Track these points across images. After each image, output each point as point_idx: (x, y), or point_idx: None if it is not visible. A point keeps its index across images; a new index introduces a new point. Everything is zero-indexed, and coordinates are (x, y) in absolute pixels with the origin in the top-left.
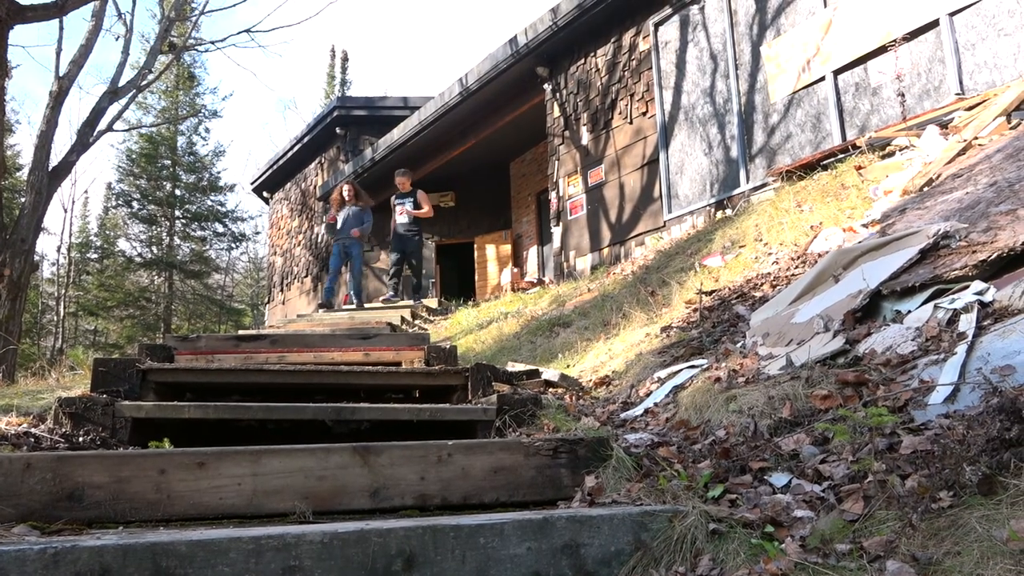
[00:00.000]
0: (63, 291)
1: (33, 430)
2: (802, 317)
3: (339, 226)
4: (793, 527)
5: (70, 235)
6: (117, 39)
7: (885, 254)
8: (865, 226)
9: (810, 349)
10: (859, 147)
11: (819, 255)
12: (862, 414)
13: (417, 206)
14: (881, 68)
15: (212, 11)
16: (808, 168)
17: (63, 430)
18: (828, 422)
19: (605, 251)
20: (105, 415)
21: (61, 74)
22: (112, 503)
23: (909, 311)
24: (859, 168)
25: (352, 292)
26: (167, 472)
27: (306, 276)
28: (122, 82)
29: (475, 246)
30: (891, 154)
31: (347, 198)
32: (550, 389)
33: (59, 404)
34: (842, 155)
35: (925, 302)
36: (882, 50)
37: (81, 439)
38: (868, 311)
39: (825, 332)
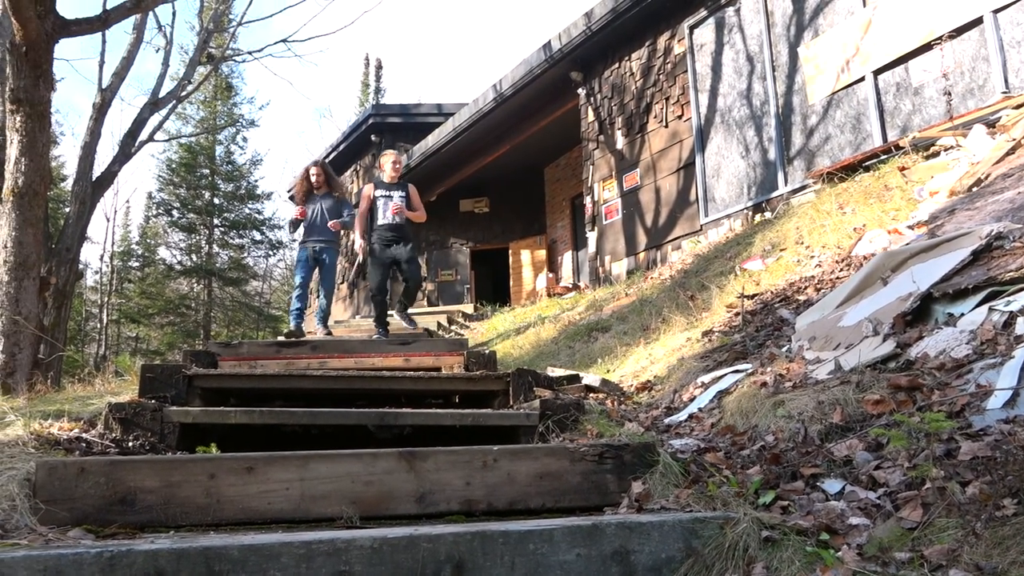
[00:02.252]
0: (106, 299)
1: (84, 435)
2: (850, 320)
3: (306, 223)
4: (849, 535)
5: (112, 244)
6: (157, 51)
7: (935, 256)
8: (911, 227)
9: (860, 353)
10: (902, 148)
11: (864, 258)
12: (917, 419)
13: (410, 204)
14: (923, 67)
15: (249, 22)
16: (849, 170)
17: (113, 435)
18: (882, 427)
19: (641, 256)
20: (154, 420)
21: (104, 86)
22: (163, 507)
23: (962, 314)
24: (903, 169)
25: (318, 315)
26: (217, 477)
27: (342, 283)
28: (162, 93)
29: (510, 251)
30: (936, 154)
31: (315, 184)
32: (591, 394)
33: (109, 409)
34: (884, 156)
35: (979, 304)
36: (924, 49)
37: (131, 444)
38: (919, 314)
39: (874, 336)
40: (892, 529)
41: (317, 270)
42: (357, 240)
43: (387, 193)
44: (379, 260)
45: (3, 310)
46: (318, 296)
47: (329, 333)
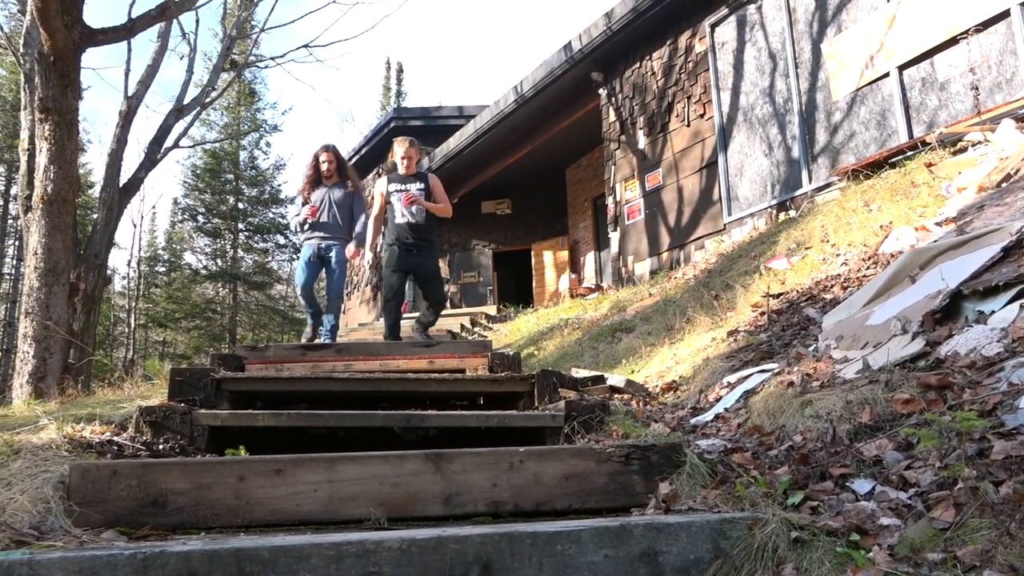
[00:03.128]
0: (134, 303)
1: (116, 438)
2: (878, 319)
3: (318, 215)
4: (880, 535)
5: (139, 249)
6: (182, 58)
7: (964, 253)
8: (939, 224)
9: (888, 352)
10: (928, 143)
11: (891, 255)
12: (948, 418)
13: (428, 196)
14: (949, 61)
15: (272, 28)
16: (874, 166)
17: (144, 438)
18: (912, 427)
19: (664, 255)
20: (183, 423)
21: (130, 94)
22: (194, 509)
23: (993, 311)
24: (930, 165)
25: (326, 324)
26: (246, 479)
27: (366, 286)
28: (187, 100)
29: (532, 253)
30: (963, 150)
31: (325, 172)
32: (616, 395)
33: (140, 413)
34: (910, 152)
35: (1010, 302)
36: (949, 43)
37: (161, 447)
38: (948, 312)
39: (903, 334)
40: (924, 530)
41: (325, 271)
42: (366, 253)
43: (402, 187)
44: (394, 269)
45: (34, 315)
46: (325, 309)
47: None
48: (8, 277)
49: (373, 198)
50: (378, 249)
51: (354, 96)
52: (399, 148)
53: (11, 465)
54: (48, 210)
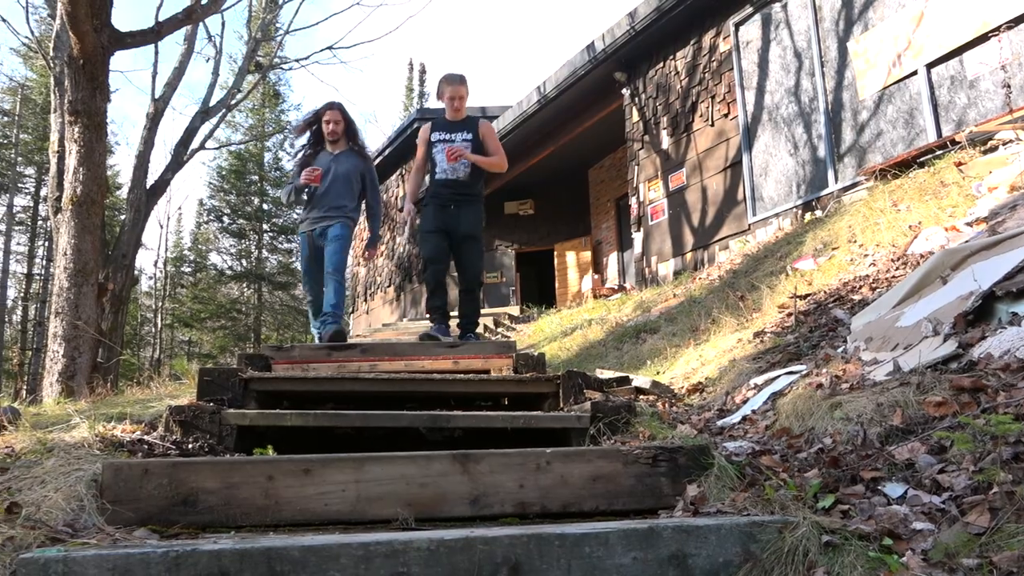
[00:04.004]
0: (160, 304)
1: (146, 437)
2: (908, 320)
3: (318, 189)
4: (913, 540)
5: (166, 250)
6: (207, 61)
7: (997, 253)
8: (970, 224)
9: (919, 354)
10: (958, 142)
11: (921, 256)
12: (982, 421)
13: (479, 148)
14: (979, 59)
15: (296, 30)
16: (902, 166)
17: (174, 437)
18: (945, 430)
19: (688, 256)
20: (212, 423)
21: (156, 96)
22: (223, 508)
23: None
24: (959, 164)
25: (326, 304)
26: (275, 479)
27: (389, 286)
28: (212, 102)
29: (555, 253)
30: (994, 149)
31: (329, 134)
32: (641, 396)
33: (170, 412)
34: (939, 151)
35: None
36: (979, 40)
37: (190, 446)
38: (981, 313)
39: (934, 336)
40: (958, 534)
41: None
42: (407, 203)
43: (447, 135)
44: (430, 229)
45: (64, 315)
46: (327, 286)
47: (343, 335)
48: (38, 277)
49: (418, 143)
50: (412, 217)
51: (377, 97)
52: (447, 88)
53: (45, 463)
54: (77, 211)
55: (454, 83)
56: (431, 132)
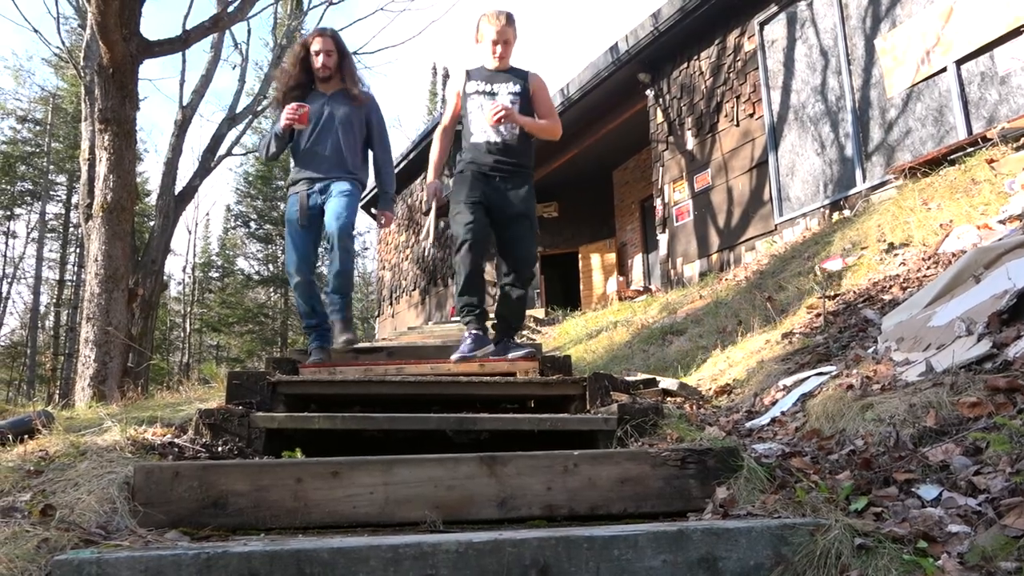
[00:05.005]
0: (189, 308)
1: (176, 440)
2: (940, 320)
3: (305, 137)
4: (948, 543)
5: (194, 255)
6: (234, 68)
7: None
8: (1002, 222)
9: (952, 354)
10: (989, 139)
11: (952, 255)
12: (1019, 422)
13: (526, 106)
14: (1010, 54)
15: None
16: (932, 164)
17: (203, 440)
18: (980, 431)
19: (714, 257)
20: (241, 426)
21: (184, 104)
22: (253, 510)
23: None
24: (991, 161)
25: (333, 305)
26: (303, 481)
27: (414, 290)
28: (239, 109)
29: (579, 255)
30: None
31: (321, 68)
32: (668, 398)
33: (199, 416)
34: (970, 149)
35: None
36: (1011, 36)
37: (220, 449)
38: (1016, 312)
39: (968, 336)
40: (996, 537)
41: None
42: (430, 174)
43: (488, 87)
44: (467, 200)
45: (95, 320)
46: (330, 269)
47: (351, 335)
48: (70, 283)
49: (446, 96)
50: (435, 195)
51: (401, 102)
52: (488, 26)
53: (78, 466)
54: (108, 218)
55: (500, 21)
56: (466, 83)
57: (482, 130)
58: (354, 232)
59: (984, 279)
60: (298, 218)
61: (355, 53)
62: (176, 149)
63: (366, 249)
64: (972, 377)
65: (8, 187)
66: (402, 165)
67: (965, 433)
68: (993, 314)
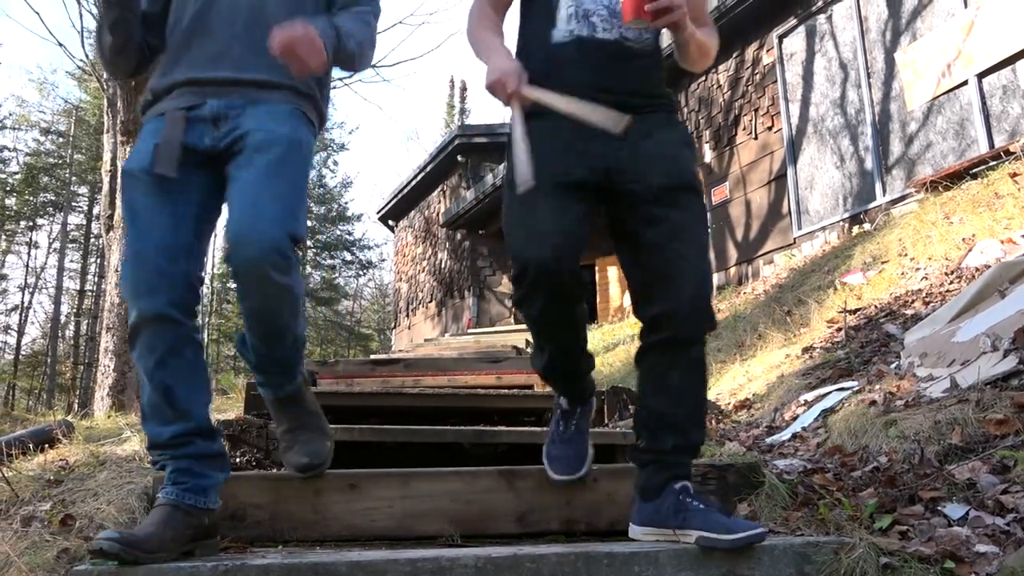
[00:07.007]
0: (207, 319)
1: None
2: (965, 335)
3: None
4: (976, 563)
5: (212, 266)
6: None
7: None
8: None
9: (978, 370)
10: (1012, 153)
11: (976, 269)
12: None
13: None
14: None
15: None
16: (954, 177)
17: None
18: (1008, 449)
19: (732, 270)
20: (259, 437)
21: None
22: (271, 523)
23: None
24: (1014, 175)
25: (266, 390)
26: (322, 493)
27: (430, 301)
28: None
29: (596, 268)
30: None
31: None
32: None
33: (217, 426)
34: (992, 162)
35: None
36: None
37: (238, 460)
38: None
39: (993, 351)
40: None
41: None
42: (487, 55)
43: None
44: (550, 176)
45: (115, 330)
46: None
47: (308, 378)
48: (90, 294)
49: None
50: (514, 83)
51: (419, 114)
52: None
53: (97, 476)
54: None
55: None
56: None
57: (574, 16)
58: (294, 250)
59: (1009, 294)
60: (148, 166)
61: (374, 67)
62: None
63: (383, 261)
64: (998, 394)
65: (31, 198)
66: (418, 178)
67: (992, 451)
68: (1019, 330)
